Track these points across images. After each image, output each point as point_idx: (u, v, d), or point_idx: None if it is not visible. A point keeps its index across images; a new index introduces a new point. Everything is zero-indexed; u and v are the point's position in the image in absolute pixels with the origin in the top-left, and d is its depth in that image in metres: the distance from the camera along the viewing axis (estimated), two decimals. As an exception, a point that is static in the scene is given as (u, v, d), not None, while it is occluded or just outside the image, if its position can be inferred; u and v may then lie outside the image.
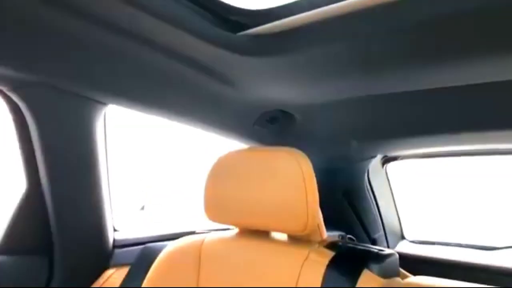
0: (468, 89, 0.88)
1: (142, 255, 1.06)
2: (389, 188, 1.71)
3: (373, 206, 1.62)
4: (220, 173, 0.92)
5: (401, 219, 1.76)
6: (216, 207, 0.92)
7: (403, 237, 1.77)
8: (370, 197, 1.61)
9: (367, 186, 1.59)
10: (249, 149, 0.93)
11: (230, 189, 0.89)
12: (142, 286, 0.95)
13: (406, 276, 0.86)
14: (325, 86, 0.96)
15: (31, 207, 0.95)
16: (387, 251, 0.84)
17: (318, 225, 0.88)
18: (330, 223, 0.92)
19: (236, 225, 0.96)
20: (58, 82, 0.86)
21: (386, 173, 1.68)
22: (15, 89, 0.86)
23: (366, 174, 1.57)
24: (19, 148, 0.92)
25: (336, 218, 0.96)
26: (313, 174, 0.82)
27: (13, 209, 0.95)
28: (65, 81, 0.86)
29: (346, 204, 1.55)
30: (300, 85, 0.95)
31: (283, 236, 0.93)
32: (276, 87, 0.96)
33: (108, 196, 1.05)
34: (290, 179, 0.81)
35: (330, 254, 0.81)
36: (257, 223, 0.86)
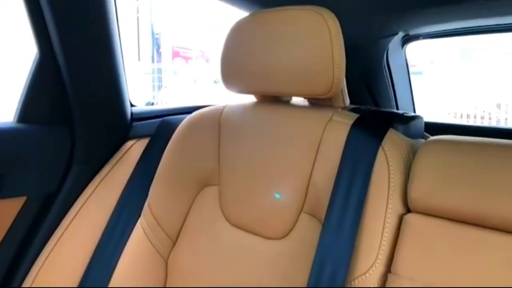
0: None
1: (162, 126, 1.06)
2: (406, 71, 1.66)
3: (389, 87, 1.58)
4: (238, 38, 0.87)
5: (415, 102, 1.74)
6: (234, 75, 0.89)
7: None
8: (387, 79, 1.56)
9: (385, 67, 1.54)
10: (267, 10, 0.86)
11: (249, 54, 0.84)
12: (164, 154, 0.97)
13: None
14: None
15: (46, 76, 0.92)
16: (412, 114, 0.83)
17: (341, 90, 0.85)
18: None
19: (256, 93, 0.93)
20: None
21: (405, 54, 1.61)
22: None
23: (385, 55, 1.51)
24: (27, 13, 0.86)
25: (352, 98, 0.94)
26: (341, 33, 0.77)
27: (27, 78, 0.92)
28: None
29: (362, 85, 1.52)
30: None
31: (304, 103, 0.91)
32: None
33: (122, 69, 1.02)
34: (316, 38, 0.76)
35: (354, 116, 0.80)
36: (279, 88, 0.83)
